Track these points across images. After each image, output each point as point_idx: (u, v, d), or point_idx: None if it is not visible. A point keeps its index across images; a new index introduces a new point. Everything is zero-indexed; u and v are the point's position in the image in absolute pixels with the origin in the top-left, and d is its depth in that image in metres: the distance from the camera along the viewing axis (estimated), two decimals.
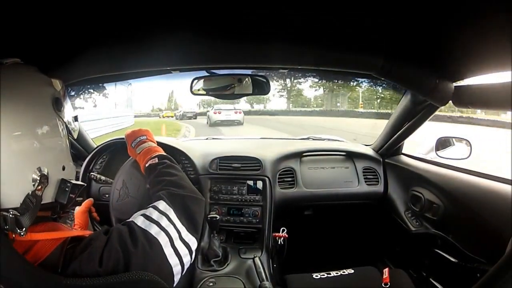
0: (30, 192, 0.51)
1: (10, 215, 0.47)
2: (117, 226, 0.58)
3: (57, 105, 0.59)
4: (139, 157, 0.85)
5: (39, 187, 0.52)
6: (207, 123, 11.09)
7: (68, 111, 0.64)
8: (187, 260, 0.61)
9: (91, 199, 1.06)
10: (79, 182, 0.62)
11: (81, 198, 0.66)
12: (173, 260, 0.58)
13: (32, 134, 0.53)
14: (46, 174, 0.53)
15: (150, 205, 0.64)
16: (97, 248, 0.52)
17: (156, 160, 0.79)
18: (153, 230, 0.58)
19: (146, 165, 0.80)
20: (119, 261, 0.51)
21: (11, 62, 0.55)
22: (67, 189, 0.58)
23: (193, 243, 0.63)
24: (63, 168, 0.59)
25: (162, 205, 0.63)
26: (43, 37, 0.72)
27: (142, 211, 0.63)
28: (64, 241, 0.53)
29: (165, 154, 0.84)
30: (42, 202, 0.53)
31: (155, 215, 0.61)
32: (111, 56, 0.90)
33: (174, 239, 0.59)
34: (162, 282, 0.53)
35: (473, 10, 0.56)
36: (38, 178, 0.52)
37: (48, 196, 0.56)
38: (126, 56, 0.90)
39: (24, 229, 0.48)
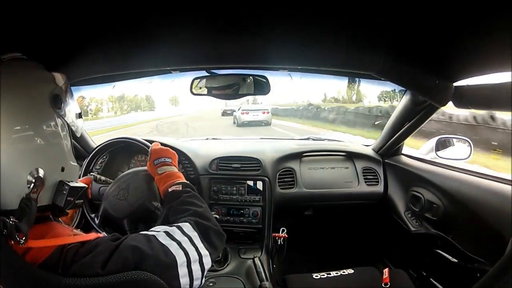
0: (25, 195, 0.49)
1: (10, 222, 0.45)
2: (133, 235, 0.58)
3: (56, 102, 0.56)
4: (159, 178, 0.85)
5: (35, 189, 0.50)
6: (234, 123, 11.10)
7: (71, 108, 0.61)
8: (197, 283, 0.60)
9: (90, 177, 1.06)
10: (80, 185, 0.60)
11: (81, 201, 0.64)
12: (184, 280, 0.57)
13: (26, 134, 0.50)
14: (42, 176, 0.51)
15: (174, 225, 0.64)
16: (102, 254, 0.51)
17: (180, 187, 0.79)
18: (173, 247, 0.58)
19: (169, 190, 0.79)
20: (128, 265, 0.51)
21: (8, 58, 0.53)
22: (64, 191, 0.55)
23: (208, 268, 0.63)
24: (62, 169, 0.57)
25: (186, 227, 0.64)
26: (43, 37, 0.72)
27: (164, 228, 0.62)
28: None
29: (187, 182, 0.84)
30: (39, 205, 0.51)
31: (177, 234, 0.61)
32: (111, 56, 0.90)
33: (193, 261, 0.59)
34: (162, 283, 0.53)
35: (473, 11, 0.56)
36: (33, 181, 0.50)
37: (45, 198, 0.54)
38: (126, 56, 0.90)
39: (24, 238, 0.46)
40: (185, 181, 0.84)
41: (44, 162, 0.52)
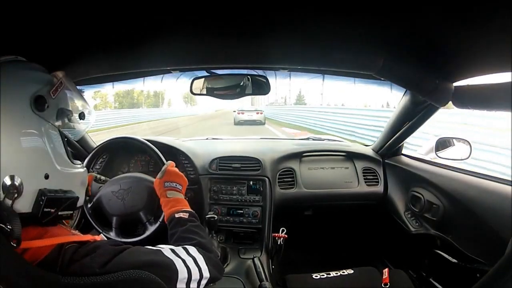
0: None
1: (7, 229, 0.45)
2: (137, 247, 0.59)
3: (37, 104, 0.52)
4: (166, 200, 0.87)
5: (9, 197, 0.47)
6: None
7: (64, 109, 0.59)
8: None
9: (92, 175, 1.07)
10: (66, 196, 0.56)
11: (69, 212, 0.58)
12: None
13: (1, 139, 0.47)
14: (16, 184, 0.48)
15: (180, 245, 0.65)
16: (102, 256, 0.51)
17: (187, 215, 0.81)
18: (178, 262, 0.59)
19: (176, 215, 0.80)
20: (132, 266, 0.51)
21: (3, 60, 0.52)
22: (41, 202, 0.51)
23: None
24: (46, 177, 0.53)
25: (192, 249, 0.65)
26: (43, 38, 0.72)
27: (169, 246, 0.64)
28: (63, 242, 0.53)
29: (193, 212, 0.85)
30: (19, 212, 0.49)
31: (182, 254, 0.62)
32: (111, 56, 0.90)
33: (192, 280, 0.60)
34: (161, 282, 0.53)
35: (473, 11, 0.56)
36: (8, 188, 0.47)
37: (25, 206, 0.50)
38: (126, 56, 0.90)
39: (16, 242, 0.45)
40: (191, 210, 0.85)
41: (20, 169, 0.49)
